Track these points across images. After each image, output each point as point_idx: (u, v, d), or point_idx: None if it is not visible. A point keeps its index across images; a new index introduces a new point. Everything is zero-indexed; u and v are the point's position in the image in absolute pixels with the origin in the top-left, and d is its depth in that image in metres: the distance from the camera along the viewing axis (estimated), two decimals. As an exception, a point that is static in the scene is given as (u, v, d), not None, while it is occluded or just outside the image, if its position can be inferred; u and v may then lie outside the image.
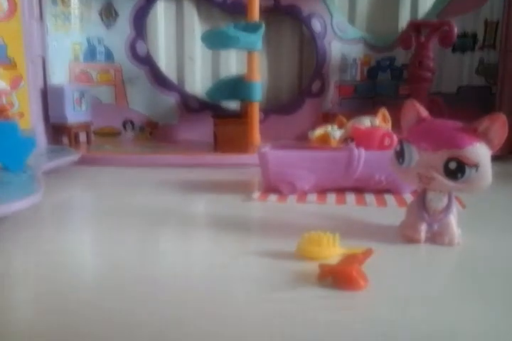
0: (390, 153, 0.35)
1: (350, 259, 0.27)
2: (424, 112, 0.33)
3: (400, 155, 0.32)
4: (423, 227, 0.34)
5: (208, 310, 0.24)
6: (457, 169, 0.30)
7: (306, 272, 0.28)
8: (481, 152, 0.30)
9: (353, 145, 0.52)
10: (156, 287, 0.26)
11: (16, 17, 0.70)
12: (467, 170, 0.30)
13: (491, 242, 0.36)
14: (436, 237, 0.35)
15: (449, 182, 0.31)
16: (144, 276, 0.27)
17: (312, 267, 0.28)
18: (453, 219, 0.34)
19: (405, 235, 0.35)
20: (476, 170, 0.30)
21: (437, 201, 0.34)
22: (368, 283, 0.26)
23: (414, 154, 0.31)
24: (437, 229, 0.34)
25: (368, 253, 0.27)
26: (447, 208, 0.34)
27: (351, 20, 0.95)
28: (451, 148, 0.29)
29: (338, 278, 0.26)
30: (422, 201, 0.34)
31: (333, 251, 0.30)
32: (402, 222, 0.37)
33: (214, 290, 0.26)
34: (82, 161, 0.67)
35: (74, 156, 0.65)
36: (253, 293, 0.26)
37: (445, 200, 0.34)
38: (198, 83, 0.94)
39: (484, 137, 0.30)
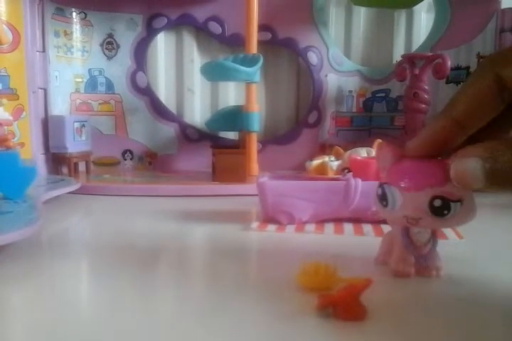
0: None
1: (349, 289, 0.27)
2: (398, 152, 0.31)
3: (382, 198, 0.32)
4: (412, 260, 0.34)
5: None
6: (442, 206, 0.29)
7: (304, 302, 0.29)
8: None
9: (350, 175, 0.52)
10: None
11: (20, 48, 0.71)
12: (452, 205, 0.29)
13: (487, 274, 0.36)
14: (423, 270, 0.34)
15: (436, 221, 0.30)
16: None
17: (311, 297, 0.28)
18: (437, 251, 0.34)
19: (396, 269, 0.34)
20: (461, 204, 0.29)
21: (423, 233, 0.33)
22: (368, 313, 0.27)
23: (396, 196, 0.30)
24: (424, 261, 0.34)
25: (366, 283, 0.27)
26: (432, 240, 0.34)
27: (347, 53, 0.97)
28: (434, 186, 0.28)
29: (338, 308, 0.26)
30: (407, 234, 0.33)
31: (332, 280, 0.30)
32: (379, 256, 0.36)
33: (213, 326, 0.26)
34: (82, 190, 0.67)
35: (74, 186, 0.65)
36: (251, 325, 0.26)
37: (429, 232, 0.33)
38: (197, 114, 0.95)
39: None
